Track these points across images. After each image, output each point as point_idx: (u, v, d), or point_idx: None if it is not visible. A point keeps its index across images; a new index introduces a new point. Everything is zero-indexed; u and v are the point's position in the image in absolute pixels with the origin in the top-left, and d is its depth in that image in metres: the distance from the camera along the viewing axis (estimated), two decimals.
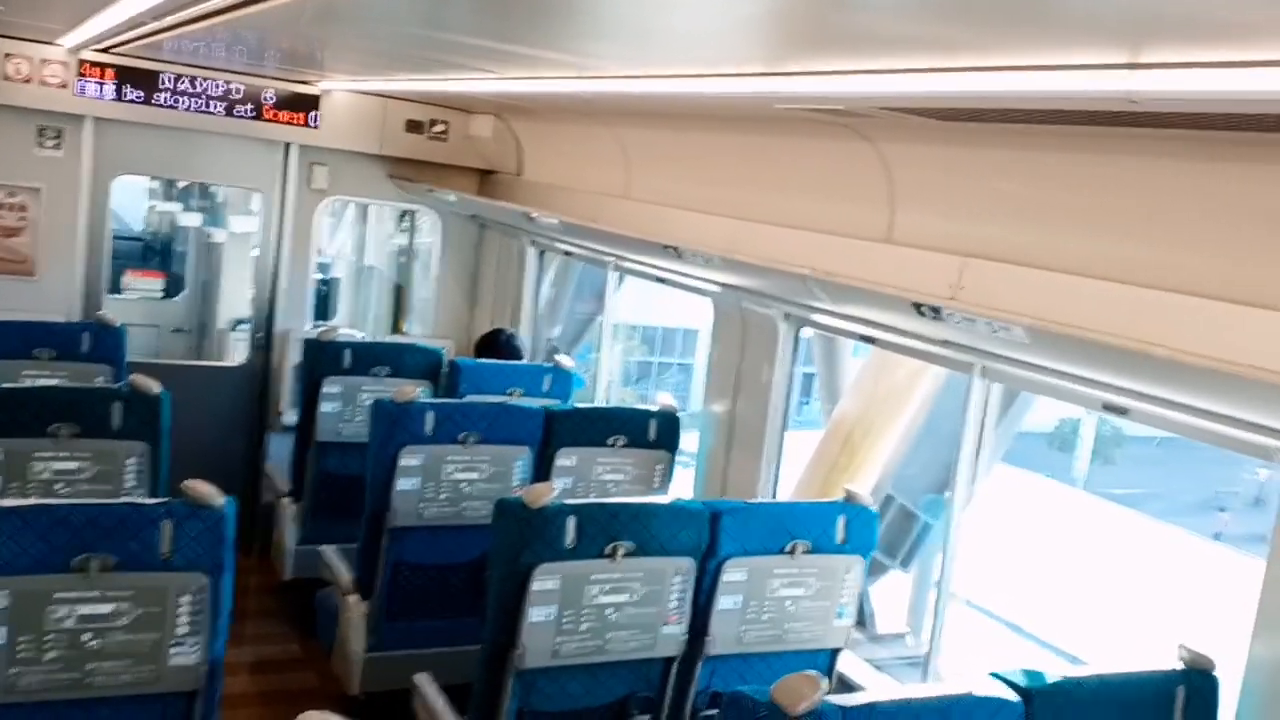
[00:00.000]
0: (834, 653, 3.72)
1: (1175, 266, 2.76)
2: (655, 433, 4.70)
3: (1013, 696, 2.47)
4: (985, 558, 4.45)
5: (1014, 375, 3.57)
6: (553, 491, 3.32)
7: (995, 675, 2.55)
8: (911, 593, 5.92)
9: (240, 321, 8.15)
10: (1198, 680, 2.68)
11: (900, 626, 5.78)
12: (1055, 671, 2.59)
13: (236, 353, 7.93)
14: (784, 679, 2.27)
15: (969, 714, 2.39)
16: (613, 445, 4.64)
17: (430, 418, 4.33)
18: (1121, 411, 3.19)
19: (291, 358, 6.56)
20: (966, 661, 4.19)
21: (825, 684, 2.27)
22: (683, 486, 5.14)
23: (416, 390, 4.45)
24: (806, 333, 4.68)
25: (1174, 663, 2.71)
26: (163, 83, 6.19)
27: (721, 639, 3.51)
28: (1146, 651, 2.75)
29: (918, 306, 3.15)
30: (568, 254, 6.23)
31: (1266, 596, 2.76)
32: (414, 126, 6.73)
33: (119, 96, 6.11)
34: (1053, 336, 2.81)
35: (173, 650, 2.84)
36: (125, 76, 6.12)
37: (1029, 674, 2.55)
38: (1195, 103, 2.08)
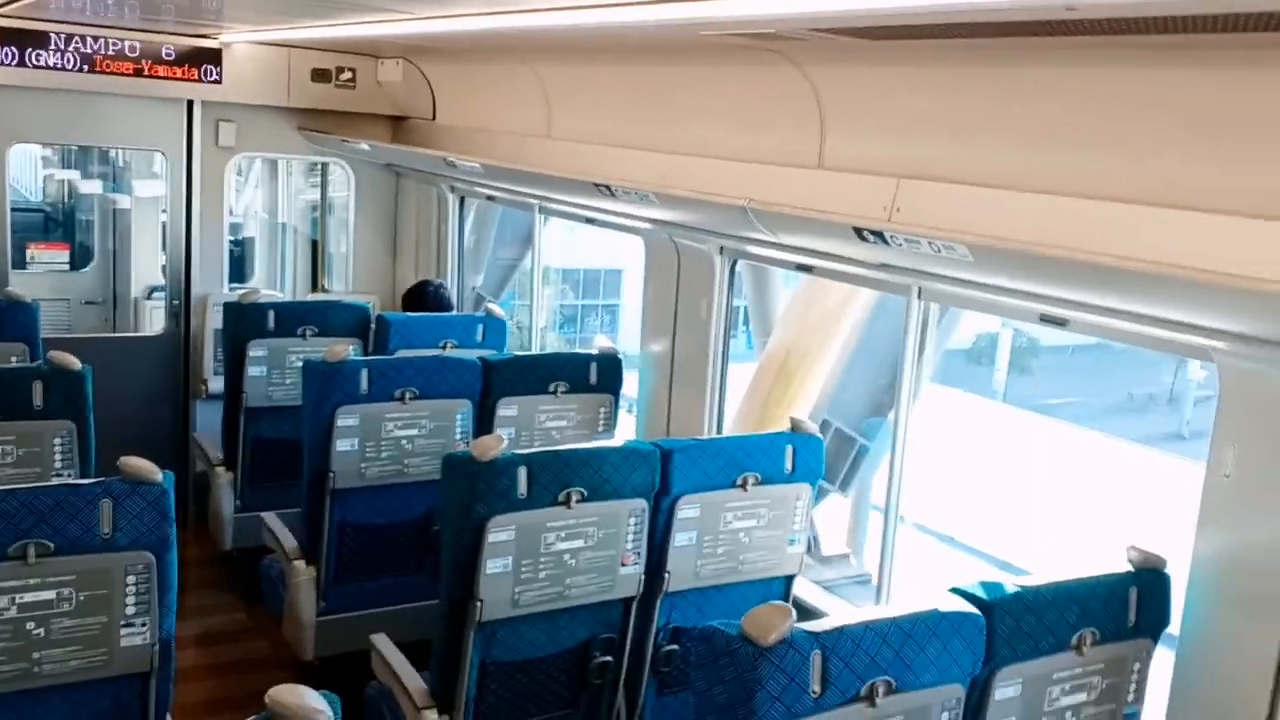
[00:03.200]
0: (789, 579, 3.76)
1: (1109, 174, 2.77)
2: (597, 376, 4.67)
3: (974, 610, 2.51)
4: (921, 475, 4.52)
5: (951, 294, 3.59)
6: (502, 443, 3.28)
7: (955, 590, 2.58)
8: (851, 515, 6.03)
9: (155, 289, 7.90)
10: (1149, 579, 2.75)
11: (842, 548, 5.89)
12: (1012, 583, 2.63)
13: (154, 321, 7.70)
14: (753, 611, 2.27)
15: (934, 630, 2.42)
16: (554, 392, 4.60)
17: (364, 376, 4.24)
18: (1060, 323, 3.23)
19: (212, 323, 6.37)
20: (911, 577, 4.27)
21: (794, 614, 2.28)
22: (626, 429, 5.13)
23: (348, 349, 4.35)
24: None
25: (1125, 565, 2.77)
26: (53, 44, 5.87)
27: (679, 575, 3.53)
28: (1080, 553, 2.82)
29: (859, 231, 3.14)
30: (490, 199, 6.11)
31: (1207, 495, 2.83)
32: (321, 75, 6.51)
33: (6, 61, 5.79)
34: (995, 252, 2.82)
35: (123, 631, 2.76)
36: (11, 39, 5.79)
37: (987, 586, 2.60)
38: (1132, 5, 2.06)
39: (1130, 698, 2.78)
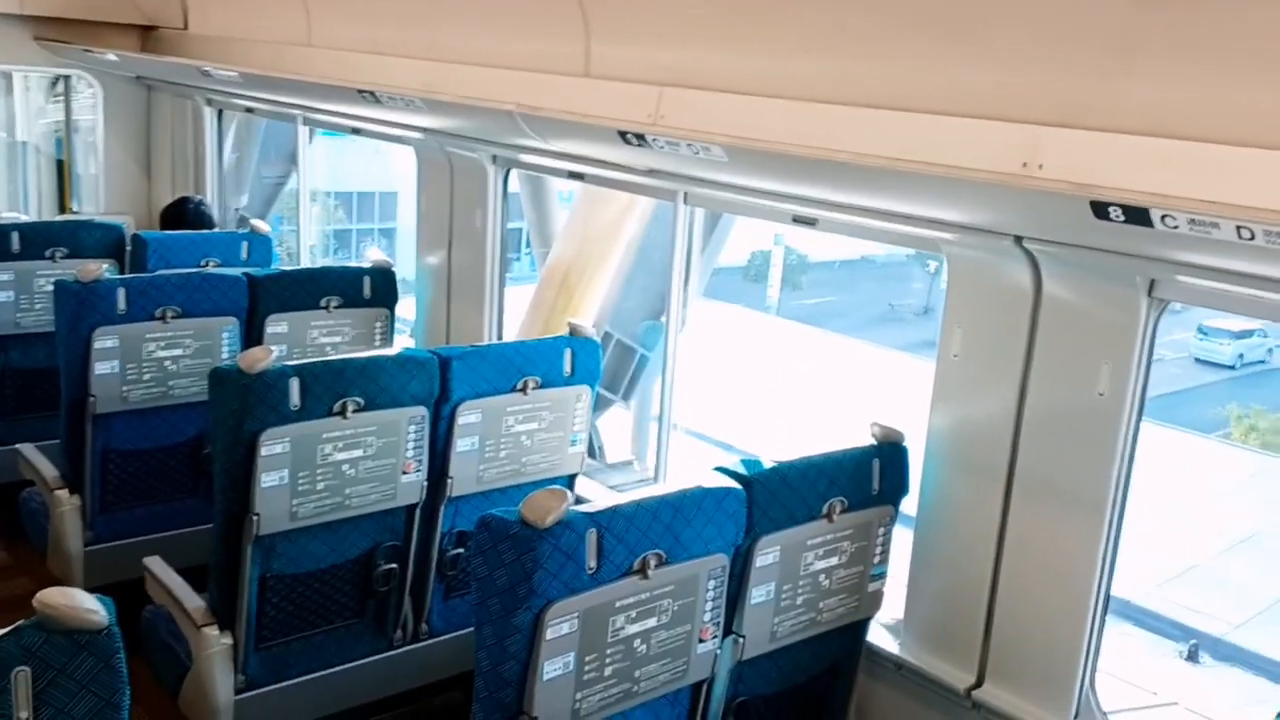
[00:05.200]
0: (571, 478, 3.89)
1: (852, 80, 2.96)
2: (371, 290, 4.61)
3: (735, 485, 2.70)
4: (696, 382, 4.74)
5: (714, 198, 3.76)
6: (270, 354, 3.22)
7: (719, 469, 2.77)
8: (633, 423, 6.24)
9: None
10: (889, 451, 3.03)
11: (626, 455, 6.11)
12: (769, 459, 2.85)
13: None
14: (531, 496, 2.37)
15: (699, 504, 2.59)
16: (326, 307, 4.52)
17: (121, 295, 4.04)
18: (810, 222, 3.45)
19: None
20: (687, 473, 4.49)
21: (570, 496, 2.39)
22: (405, 345, 5.10)
23: (102, 268, 4.11)
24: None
25: (869, 439, 3.04)
26: None
27: (461, 480, 3.58)
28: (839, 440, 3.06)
29: (623, 135, 3.23)
30: (249, 110, 5.85)
31: (939, 374, 3.14)
32: None
33: None
34: (748, 153, 2.98)
35: None
36: None
37: (747, 463, 2.80)
38: None
39: (876, 559, 3.08)
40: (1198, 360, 19.92)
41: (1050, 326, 2.84)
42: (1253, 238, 1.94)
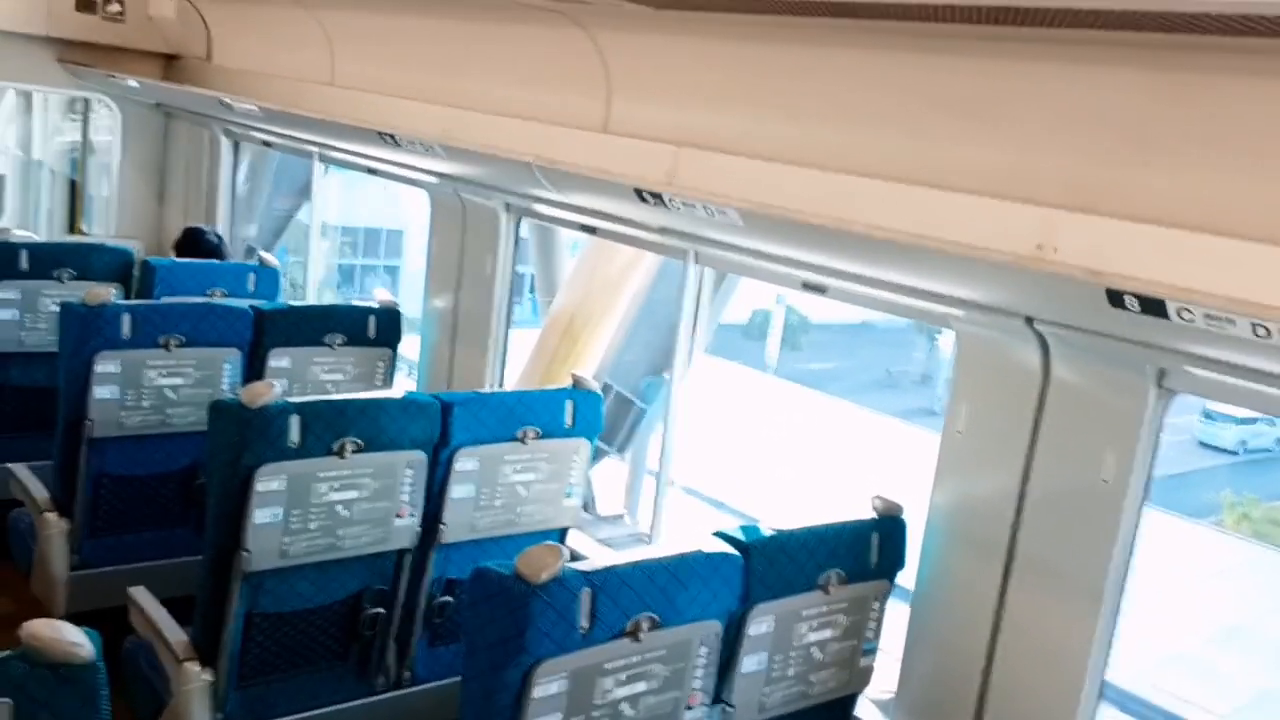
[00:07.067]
0: (563, 531, 3.86)
1: (869, 152, 2.99)
2: (375, 330, 4.61)
3: (733, 551, 2.68)
4: (694, 440, 4.73)
5: (725, 259, 3.77)
6: (273, 389, 3.21)
7: (717, 534, 2.75)
8: (628, 476, 6.21)
9: None
10: (889, 525, 3.01)
11: (619, 508, 6.07)
12: (769, 527, 2.83)
13: None
14: (526, 550, 2.35)
15: (696, 569, 2.57)
16: (330, 345, 4.51)
17: (127, 320, 4.04)
18: (820, 289, 3.46)
19: None
20: (681, 536, 4.46)
21: (566, 553, 2.37)
22: (406, 386, 5.09)
23: (109, 292, 4.12)
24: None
25: (869, 512, 3.02)
26: None
27: (455, 527, 3.55)
28: (835, 512, 3.04)
29: (639, 192, 3.25)
30: (267, 144, 5.89)
31: (943, 449, 3.13)
32: (86, 5, 6.06)
33: None
34: (763, 218, 2.99)
35: None
36: None
37: (746, 530, 2.78)
38: None
39: (869, 634, 3.04)
40: (1201, 444, 19.85)
41: (1057, 409, 2.83)
42: (1268, 335, 1.94)
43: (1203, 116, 2.32)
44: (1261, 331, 1.94)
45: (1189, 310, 2.04)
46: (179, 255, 5.55)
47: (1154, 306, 2.09)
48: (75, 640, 1.77)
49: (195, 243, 5.60)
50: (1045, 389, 2.85)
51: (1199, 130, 2.34)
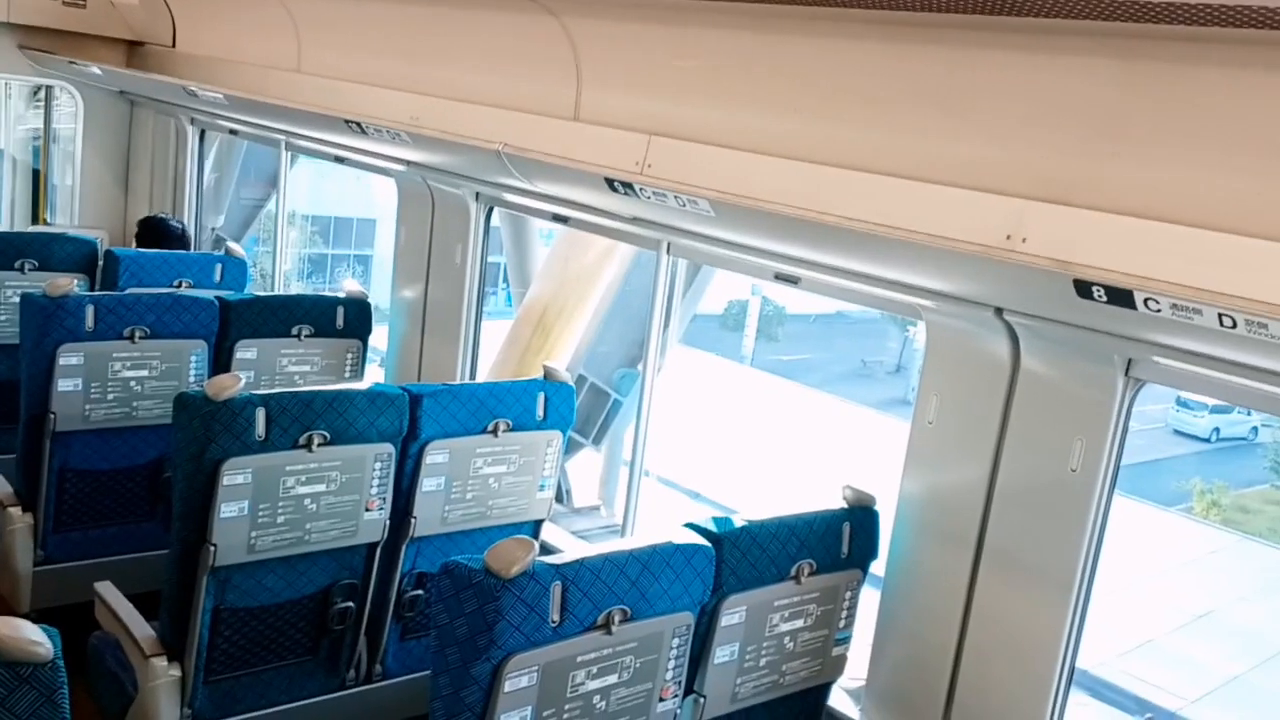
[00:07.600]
0: (537, 524, 3.84)
1: (840, 143, 2.98)
2: (344, 320, 4.56)
3: (705, 542, 2.67)
4: (668, 431, 4.71)
5: (697, 250, 3.75)
6: (239, 382, 3.17)
7: (689, 525, 2.74)
8: (603, 468, 6.20)
9: None
10: (860, 515, 3.01)
11: (594, 500, 6.06)
12: (740, 517, 2.82)
13: None
14: (496, 544, 2.33)
15: (668, 560, 2.55)
16: (298, 335, 4.47)
17: (90, 312, 3.98)
18: (793, 280, 3.45)
19: None
20: (655, 526, 4.45)
21: (536, 546, 2.35)
22: (377, 378, 5.04)
23: (72, 283, 4.05)
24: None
25: (840, 502, 3.02)
26: None
27: (425, 520, 3.52)
28: (807, 500, 3.04)
29: (610, 182, 3.23)
30: (234, 133, 5.82)
31: (913, 440, 3.12)
32: None
33: None
34: (734, 208, 2.97)
35: None
36: None
37: (718, 521, 2.77)
38: None
39: (842, 623, 3.04)
40: (1176, 431, 19.99)
41: (1026, 399, 2.84)
42: (1234, 325, 1.94)
43: (1172, 108, 2.32)
44: (1228, 321, 1.94)
45: (1156, 301, 2.04)
46: (139, 245, 5.47)
47: (1121, 297, 2.09)
48: (35, 639, 1.74)
49: (158, 232, 5.52)
50: (1014, 379, 2.85)
51: (1168, 122, 2.34)
